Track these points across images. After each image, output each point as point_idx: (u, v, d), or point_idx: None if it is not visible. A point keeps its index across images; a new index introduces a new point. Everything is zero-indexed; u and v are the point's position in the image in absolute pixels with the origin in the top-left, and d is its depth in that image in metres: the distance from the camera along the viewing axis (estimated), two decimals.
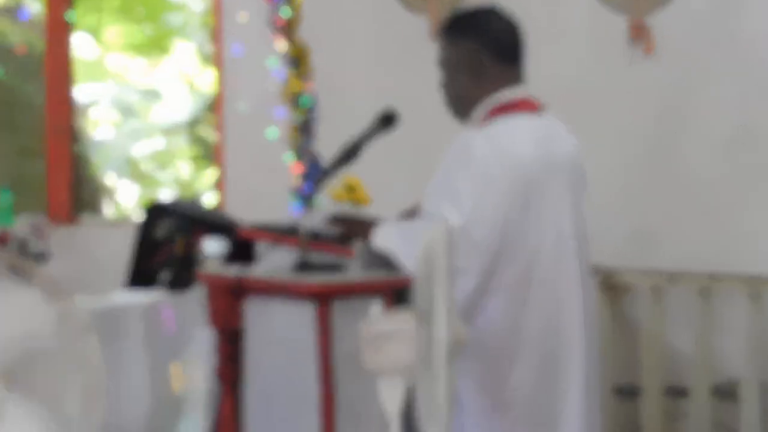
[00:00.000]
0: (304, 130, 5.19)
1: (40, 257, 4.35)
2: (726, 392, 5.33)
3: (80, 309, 2.55)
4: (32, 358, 2.49)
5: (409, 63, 5.85)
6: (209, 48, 6.87)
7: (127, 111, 7.77)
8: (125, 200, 7.58)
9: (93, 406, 2.53)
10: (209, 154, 7.13)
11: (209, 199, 6.71)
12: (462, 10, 3.42)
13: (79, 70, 6.94)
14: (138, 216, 5.22)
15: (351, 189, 4.27)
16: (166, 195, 7.16)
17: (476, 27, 3.33)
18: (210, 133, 7.07)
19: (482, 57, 3.30)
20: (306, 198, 3.49)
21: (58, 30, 6.75)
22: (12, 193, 6.52)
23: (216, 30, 6.43)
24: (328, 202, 4.46)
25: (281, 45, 5.27)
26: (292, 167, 5.23)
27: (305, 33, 5.28)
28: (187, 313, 4.52)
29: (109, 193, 7.55)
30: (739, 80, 5.43)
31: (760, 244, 5.31)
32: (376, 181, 4.46)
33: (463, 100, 3.36)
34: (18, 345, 2.48)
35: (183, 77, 7.65)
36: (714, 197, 5.44)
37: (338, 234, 3.49)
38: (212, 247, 4.62)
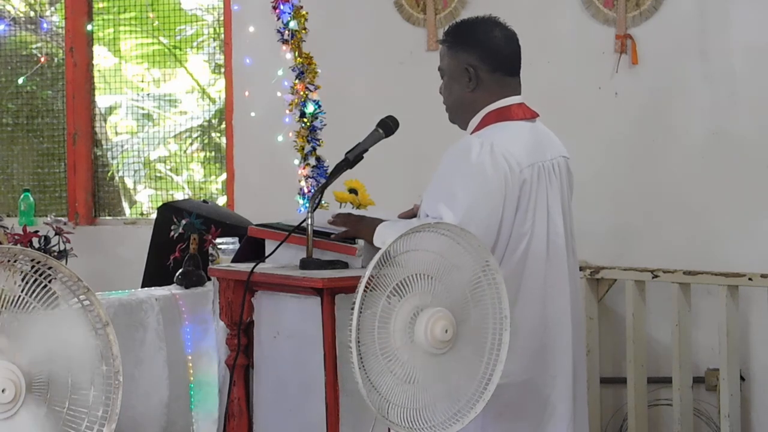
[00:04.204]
0: (309, 136, 5.21)
1: (62, 256, 4.36)
2: (705, 381, 5.36)
3: (100, 304, 2.56)
4: (58, 365, 2.49)
5: (409, 72, 5.88)
6: (220, 58, 6.89)
7: (143, 117, 7.79)
8: (142, 201, 7.59)
9: (111, 397, 2.53)
10: (220, 158, 7.15)
11: (220, 201, 6.73)
12: (463, 20, 3.41)
13: (97, 78, 6.97)
14: (154, 216, 5.24)
15: (354, 191, 4.32)
16: (180, 196, 7.17)
17: (476, 39, 3.32)
18: (221, 139, 7.10)
19: (481, 69, 3.30)
20: (311, 200, 3.50)
21: (77, 40, 6.78)
22: (34, 194, 6.56)
23: (227, 41, 6.46)
24: (333, 203, 4.50)
25: (288, 55, 5.29)
26: (298, 171, 5.25)
27: (311, 44, 5.30)
28: (201, 307, 4.53)
29: (127, 194, 7.57)
30: (713, 89, 5.45)
31: (732, 241, 5.33)
32: (378, 184, 4.50)
33: (461, 108, 3.36)
34: (48, 357, 2.47)
35: (196, 86, 7.67)
36: (690, 198, 5.46)
37: (342, 233, 3.51)
38: (224, 244, 4.66)
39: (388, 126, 3.52)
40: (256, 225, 3.82)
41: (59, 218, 4.45)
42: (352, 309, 2.59)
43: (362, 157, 3.47)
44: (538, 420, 3.24)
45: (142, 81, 7.74)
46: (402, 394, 2.69)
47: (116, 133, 7.71)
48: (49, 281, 2.48)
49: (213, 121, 7.61)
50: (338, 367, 3.38)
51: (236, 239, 4.60)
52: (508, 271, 3.18)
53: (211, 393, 4.46)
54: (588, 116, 5.61)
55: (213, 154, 7.65)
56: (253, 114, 6.26)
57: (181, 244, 4.51)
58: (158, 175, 7.56)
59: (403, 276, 2.69)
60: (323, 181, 4.26)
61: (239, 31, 6.31)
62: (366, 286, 2.64)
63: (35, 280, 2.47)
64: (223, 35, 6.54)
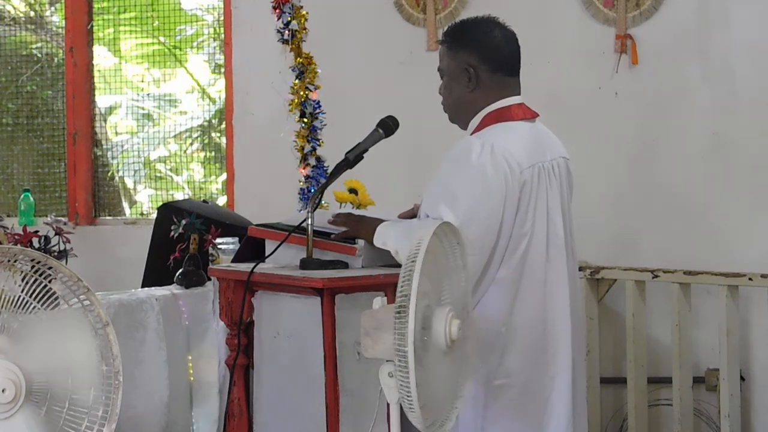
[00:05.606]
0: (309, 136, 5.21)
1: (62, 256, 4.36)
2: (705, 381, 5.36)
3: (100, 304, 2.56)
4: (58, 365, 2.50)
5: (409, 72, 5.88)
6: (220, 58, 6.90)
7: (143, 117, 7.79)
8: (142, 201, 7.59)
9: (111, 397, 2.53)
10: (220, 158, 7.16)
11: (220, 201, 6.73)
12: (463, 21, 3.40)
13: (97, 78, 6.98)
14: (154, 216, 5.24)
15: (354, 191, 4.32)
16: (180, 196, 7.18)
17: (475, 39, 3.31)
18: (221, 139, 7.10)
19: (480, 69, 3.29)
20: (311, 200, 3.51)
21: (77, 40, 6.79)
22: (34, 194, 6.57)
23: (227, 41, 6.46)
24: (333, 203, 4.50)
25: (288, 55, 5.28)
26: (299, 171, 5.25)
27: (311, 44, 5.29)
28: (201, 307, 4.54)
29: (127, 194, 7.57)
30: (713, 89, 5.46)
31: (732, 241, 5.34)
32: (378, 184, 4.50)
33: (461, 108, 3.35)
34: (49, 357, 2.48)
35: (196, 86, 7.67)
36: (690, 199, 5.46)
37: (342, 233, 3.51)
38: (224, 244, 4.67)
39: (388, 126, 3.52)
40: (256, 225, 3.82)
41: (59, 218, 4.45)
42: (398, 313, 2.56)
43: (362, 157, 3.48)
44: (538, 420, 3.24)
45: (142, 81, 7.74)
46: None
47: (116, 133, 7.71)
48: (49, 281, 2.49)
49: (213, 121, 7.62)
50: (338, 367, 3.38)
51: (236, 239, 4.60)
52: (508, 272, 3.19)
53: (211, 393, 4.46)
54: (588, 116, 5.61)
55: (213, 154, 7.66)
56: (253, 114, 6.26)
57: (181, 244, 4.52)
58: (158, 175, 7.57)
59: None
60: (323, 181, 4.26)
61: (239, 31, 6.31)
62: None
63: (35, 280, 2.47)
64: (223, 35, 6.55)
